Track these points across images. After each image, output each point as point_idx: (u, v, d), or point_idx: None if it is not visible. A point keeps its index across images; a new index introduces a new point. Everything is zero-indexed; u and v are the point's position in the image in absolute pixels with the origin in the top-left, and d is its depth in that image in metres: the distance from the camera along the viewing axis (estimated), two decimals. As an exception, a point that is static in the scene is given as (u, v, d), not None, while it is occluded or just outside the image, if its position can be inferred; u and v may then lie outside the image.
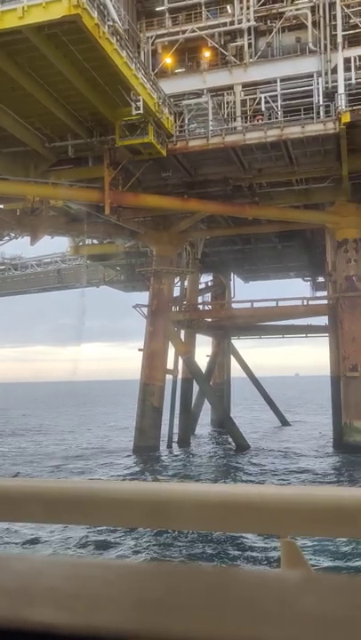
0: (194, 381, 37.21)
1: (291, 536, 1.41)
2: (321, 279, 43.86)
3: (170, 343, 33.99)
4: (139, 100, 24.22)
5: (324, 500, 1.34)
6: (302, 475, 25.96)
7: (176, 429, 36.25)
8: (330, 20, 27.94)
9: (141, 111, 24.27)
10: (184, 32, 30.33)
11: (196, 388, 38.70)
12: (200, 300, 42.59)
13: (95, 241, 40.58)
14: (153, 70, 29.19)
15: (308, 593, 0.62)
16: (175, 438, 35.68)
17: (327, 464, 29.02)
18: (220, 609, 0.59)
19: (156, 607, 0.60)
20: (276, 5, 29.27)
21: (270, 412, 50.13)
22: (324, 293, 38.33)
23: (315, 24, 28.29)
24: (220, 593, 0.64)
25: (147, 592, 0.65)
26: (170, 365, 34.45)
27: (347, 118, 25.20)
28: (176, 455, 32.94)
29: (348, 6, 27.70)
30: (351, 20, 27.64)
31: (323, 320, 35.66)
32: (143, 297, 37.09)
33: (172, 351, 34.54)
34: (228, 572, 0.72)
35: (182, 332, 36.40)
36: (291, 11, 28.87)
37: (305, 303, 34.17)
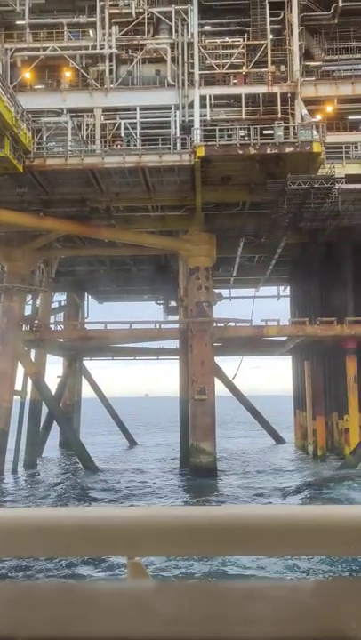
0: (43, 403, 36.22)
1: (138, 556, 1.39)
2: (173, 303, 45.14)
3: (19, 363, 32.84)
4: (-5, 112, 23.47)
5: (172, 521, 1.36)
6: (149, 495, 26.24)
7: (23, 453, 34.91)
8: (188, 59, 29.34)
9: (-3, 124, 23.54)
10: (45, 49, 30.06)
11: (45, 409, 37.68)
12: (52, 319, 41.73)
13: None
14: (11, 83, 28.50)
15: (159, 598, 0.70)
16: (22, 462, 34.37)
17: (173, 484, 29.64)
18: (82, 617, 0.65)
19: (19, 620, 0.65)
20: (138, 37, 30.13)
21: (120, 434, 50.27)
22: (177, 317, 39.49)
23: (174, 60, 29.53)
24: (81, 604, 0.70)
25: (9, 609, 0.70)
26: (18, 386, 33.26)
27: (201, 152, 26.47)
28: (21, 479, 31.74)
29: (204, 48, 29.31)
30: (207, 61, 29.26)
31: (174, 343, 36.68)
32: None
33: (21, 371, 33.41)
34: (83, 585, 0.79)
35: (32, 352, 35.37)
36: (151, 44, 29.87)
37: (158, 327, 34.90)
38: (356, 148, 28.94)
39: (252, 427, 52.75)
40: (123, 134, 28.59)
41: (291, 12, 28.97)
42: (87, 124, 28.91)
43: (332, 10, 29.76)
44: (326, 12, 29.97)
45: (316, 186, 26.40)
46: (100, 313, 52.41)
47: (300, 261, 38.49)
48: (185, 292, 32.68)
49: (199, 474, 29.24)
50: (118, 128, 28.89)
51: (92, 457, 33.89)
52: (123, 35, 30.09)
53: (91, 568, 14.81)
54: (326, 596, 0.69)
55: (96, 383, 48.19)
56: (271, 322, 32.74)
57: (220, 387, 38.61)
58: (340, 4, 29.32)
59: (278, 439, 48.09)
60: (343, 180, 27.08)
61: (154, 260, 39.91)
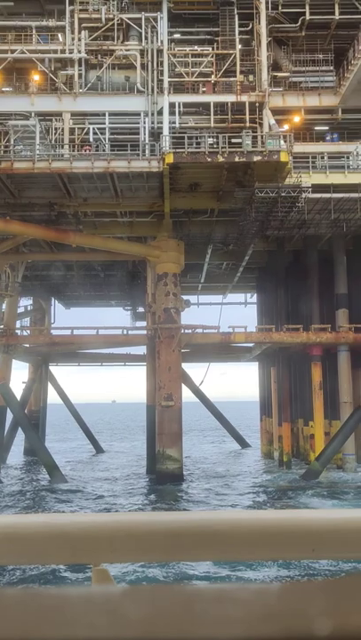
0: (8, 409, 35.67)
1: (104, 563, 1.39)
2: (141, 309, 45.04)
3: (-17, 369, 32.32)
4: None
5: (137, 527, 1.36)
6: (115, 502, 26.05)
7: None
8: (157, 66, 29.44)
9: (-36, 126, 23.22)
10: (13, 52, 29.78)
11: (10, 415, 37.11)
12: (18, 324, 41.21)
13: None
14: (-22, 85, 28.17)
15: (128, 603, 0.71)
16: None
17: (139, 490, 29.50)
18: (48, 624, 0.66)
19: None
20: (107, 42, 30.12)
21: (86, 440, 49.84)
22: (144, 323, 39.39)
23: (144, 66, 29.59)
24: (47, 610, 0.71)
25: None
26: (-18, 392, 32.70)
27: (170, 159, 26.56)
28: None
29: (174, 55, 29.47)
30: (177, 69, 29.42)
31: (142, 349, 36.58)
32: None
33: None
34: (48, 591, 0.80)
35: (-2, 358, 34.81)
36: (121, 50, 29.89)
37: (125, 333, 34.78)
38: (322, 158, 29.43)
39: (219, 432, 52.96)
40: (91, 139, 28.50)
41: (259, 23, 29.36)
42: (55, 128, 28.72)
43: (299, 22, 30.27)
44: (294, 25, 30.46)
45: (283, 195, 26.73)
46: (67, 318, 52.02)
47: (267, 269, 38.89)
48: (153, 299, 32.65)
49: (166, 480, 29.19)
50: (87, 133, 28.79)
51: (58, 464, 33.49)
52: (92, 40, 30.03)
53: (58, 574, 14.62)
54: (292, 597, 0.72)
55: (62, 389, 47.71)
56: (238, 328, 32.95)
57: (187, 393, 38.69)
58: (308, 17, 29.85)
59: (244, 444, 48.55)
60: (310, 189, 27.49)
61: (122, 265, 39.79)
